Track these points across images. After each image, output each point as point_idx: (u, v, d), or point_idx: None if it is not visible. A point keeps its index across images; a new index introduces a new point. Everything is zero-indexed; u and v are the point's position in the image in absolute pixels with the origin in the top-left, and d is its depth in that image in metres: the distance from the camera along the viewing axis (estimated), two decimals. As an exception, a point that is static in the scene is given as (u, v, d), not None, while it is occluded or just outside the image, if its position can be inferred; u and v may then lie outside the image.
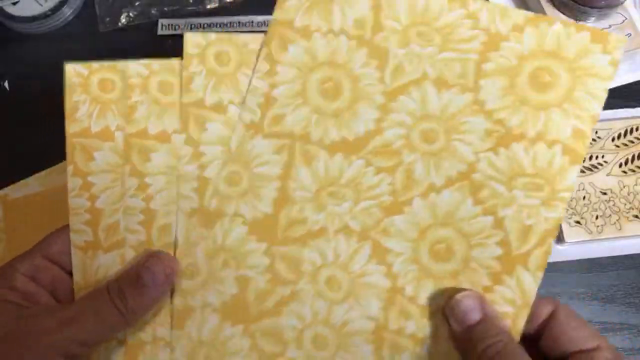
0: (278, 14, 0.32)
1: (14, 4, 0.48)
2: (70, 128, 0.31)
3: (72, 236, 0.31)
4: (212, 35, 0.32)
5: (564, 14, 0.45)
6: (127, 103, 0.31)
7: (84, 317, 0.27)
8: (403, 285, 0.31)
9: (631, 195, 0.43)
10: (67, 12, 0.48)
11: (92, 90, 0.32)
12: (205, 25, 0.48)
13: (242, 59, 0.32)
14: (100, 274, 0.31)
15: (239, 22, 0.48)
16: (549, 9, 0.46)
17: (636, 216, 0.42)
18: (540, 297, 0.30)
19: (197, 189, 0.31)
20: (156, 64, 0.32)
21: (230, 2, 0.49)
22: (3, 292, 0.28)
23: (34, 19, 0.48)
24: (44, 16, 0.48)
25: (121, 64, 0.32)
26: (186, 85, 0.32)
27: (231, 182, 0.31)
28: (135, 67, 0.32)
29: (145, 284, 0.28)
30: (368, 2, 0.31)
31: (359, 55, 0.31)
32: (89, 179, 0.31)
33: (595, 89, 0.30)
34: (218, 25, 0.48)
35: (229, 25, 0.48)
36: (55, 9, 0.48)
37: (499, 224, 0.30)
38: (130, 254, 0.31)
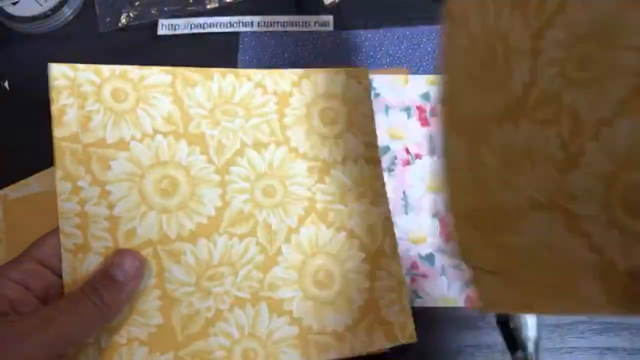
0: (58, 132, 0.33)
1: (14, 4, 0.48)
2: (58, 132, 0.32)
3: (62, 239, 0.31)
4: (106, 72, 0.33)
5: (564, 14, 0.45)
6: (81, 113, 0.32)
7: (63, 315, 0.28)
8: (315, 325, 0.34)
9: (631, 195, 0.43)
10: (67, 12, 0.48)
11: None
12: (205, 25, 0.48)
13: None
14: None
15: (239, 22, 0.48)
16: (549, 9, 0.46)
17: (636, 216, 0.42)
18: None
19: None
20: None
21: (230, 2, 0.49)
22: None
23: (34, 19, 0.48)
24: (44, 16, 0.48)
25: (106, 68, 0.33)
26: None
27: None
28: (85, 75, 0.33)
29: (117, 279, 0.29)
30: (169, 98, 0.34)
31: (181, 147, 0.33)
32: (79, 183, 0.32)
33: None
34: (218, 25, 0.48)
35: (229, 25, 0.48)
36: (55, 9, 0.48)
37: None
38: (98, 261, 0.31)
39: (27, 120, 0.46)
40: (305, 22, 0.48)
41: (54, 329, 0.27)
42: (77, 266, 0.31)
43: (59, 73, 0.32)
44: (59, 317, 0.27)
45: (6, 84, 0.47)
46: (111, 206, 0.32)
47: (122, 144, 0.32)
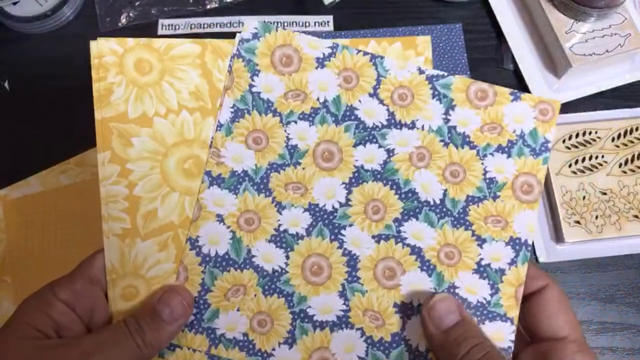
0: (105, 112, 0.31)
1: (14, 4, 0.48)
2: (104, 112, 0.30)
3: (110, 224, 0.30)
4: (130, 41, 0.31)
5: (564, 14, 0.45)
6: (102, 85, 0.30)
7: (104, 351, 0.27)
8: None
9: (631, 195, 0.43)
10: (67, 12, 0.48)
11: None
12: (205, 25, 0.48)
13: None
14: (138, 261, 0.30)
15: (240, 22, 0.48)
16: (548, 9, 0.46)
17: (636, 216, 0.42)
18: (538, 270, 0.30)
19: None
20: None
21: (230, 2, 0.49)
22: (38, 317, 0.27)
23: (34, 19, 0.48)
24: (44, 16, 0.48)
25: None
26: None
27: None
28: (108, 44, 0.30)
29: (163, 318, 0.28)
30: (197, 71, 0.31)
31: (208, 125, 0.31)
32: (128, 166, 0.30)
33: None
34: (218, 25, 0.48)
35: (229, 25, 0.48)
36: (55, 9, 0.48)
37: None
38: (114, 243, 0.30)
39: (27, 120, 0.46)
40: (305, 22, 0.48)
41: None
42: (126, 252, 0.30)
43: (96, 50, 0.30)
44: (99, 353, 0.27)
45: (6, 84, 0.47)
46: (131, 185, 0.30)
47: (144, 120, 0.30)
